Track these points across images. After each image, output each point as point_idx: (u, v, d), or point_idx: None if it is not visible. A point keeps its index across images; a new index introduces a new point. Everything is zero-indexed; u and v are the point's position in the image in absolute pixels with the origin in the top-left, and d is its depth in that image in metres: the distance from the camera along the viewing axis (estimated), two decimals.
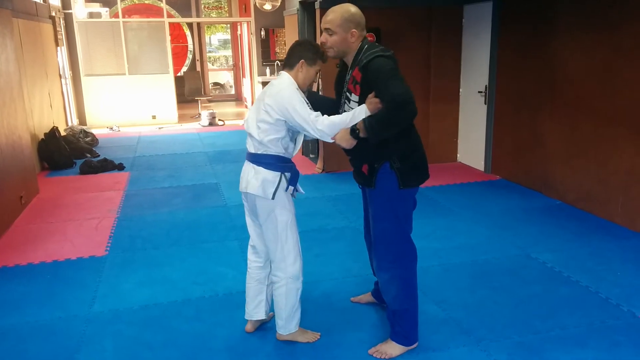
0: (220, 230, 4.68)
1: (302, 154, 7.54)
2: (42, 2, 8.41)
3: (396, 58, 2.55)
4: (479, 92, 6.33)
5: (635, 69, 4.26)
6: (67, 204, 5.54)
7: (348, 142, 2.54)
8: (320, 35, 2.67)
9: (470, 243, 4.23)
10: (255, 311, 2.98)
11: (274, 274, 2.81)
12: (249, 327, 3.04)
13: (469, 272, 3.72)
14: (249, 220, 2.91)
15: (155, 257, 4.13)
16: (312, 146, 7.42)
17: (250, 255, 2.96)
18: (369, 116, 2.47)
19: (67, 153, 7.20)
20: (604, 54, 4.56)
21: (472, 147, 6.61)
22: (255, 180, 2.66)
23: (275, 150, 2.65)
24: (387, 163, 2.57)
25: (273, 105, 2.57)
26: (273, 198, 2.66)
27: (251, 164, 2.71)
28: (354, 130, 2.50)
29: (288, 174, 2.72)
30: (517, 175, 5.86)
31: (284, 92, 2.57)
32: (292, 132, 2.72)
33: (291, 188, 2.74)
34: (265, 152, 2.65)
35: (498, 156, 6.17)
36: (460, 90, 6.73)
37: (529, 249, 4.09)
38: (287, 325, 2.84)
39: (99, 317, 3.23)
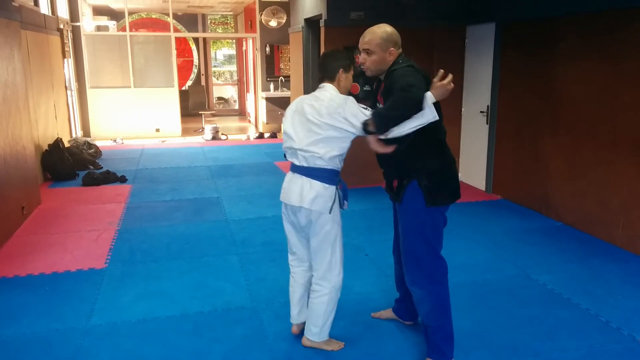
0: (220, 244, 4.68)
1: None
2: (50, 14, 8.52)
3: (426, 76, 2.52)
4: (481, 112, 6.37)
5: (636, 93, 4.29)
6: (69, 215, 5.55)
7: (376, 145, 2.54)
8: (360, 56, 2.69)
9: (470, 262, 4.22)
10: (299, 315, 3.05)
11: (317, 283, 2.83)
12: (294, 329, 3.11)
13: (468, 291, 3.71)
14: (289, 228, 2.91)
15: (155, 270, 4.12)
16: None
17: (293, 262, 3.00)
18: (379, 109, 2.51)
19: (70, 164, 7.23)
20: (605, 78, 4.59)
21: (473, 166, 6.63)
22: (311, 194, 2.66)
23: (333, 165, 2.68)
24: (415, 181, 2.60)
25: (326, 118, 2.59)
26: (330, 212, 2.68)
27: (304, 177, 2.69)
28: (365, 126, 2.50)
29: (341, 188, 2.76)
30: (518, 195, 5.86)
31: (335, 99, 2.62)
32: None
33: (345, 203, 2.79)
34: (322, 167, 2.66)
35: (499, 176, 6.18)
36: (462, 109, 6.76)
37: (529, 270, 4.08)
38: (322, 333, 2.90)
39: (97, 330, 3.22)
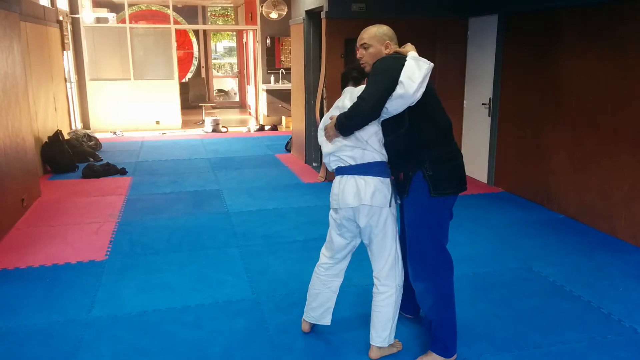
0: (220, 237, 4.67)
1: (305, 162, 7.54)
2: (50, 6, 8.47)
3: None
4: (483, 104, 6.34)
5: (638, 85, 4.26)
6: (69, 207, 5.54)
7: (331, 132, 2.67)
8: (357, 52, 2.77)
9: (471, 255, 4.22)
10: (322, 317, 2.99)
11: (383, 284, 2.74)
12: (306, 327, 3.06)
13: (470, 284, 3.70)
14: (336, 236, 2.82)
15: (155, 262, 4.12)
16: (314, 155, 7.43)
17: (324, 265, 2.92)
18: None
19: (70, 156, 7.21)
20: (607, 71, 4.56)
21: (475, 159, 6.60)
22: (369, 190, 2.61)
23: (381, 156, 2.65)
24: (421, 172, 2.61)
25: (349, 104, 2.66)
26: (390, 205, 2.66)
27: (356, 176, 2.64)
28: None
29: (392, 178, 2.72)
30: (520, 188, 5.85)
31: (355, 90, 2.71)
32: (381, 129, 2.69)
33: (398, 197, 2.76)
34: (371, 160, 2.63)
35: (501, 169, 6.16)
36: (465, 102, 6.73)
37: (531, 262, 4.07)
38: (391, 336, 2.80)
39: (97, 322, 3.22)
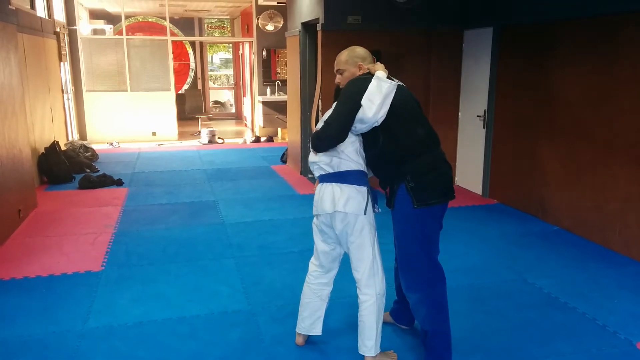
0: (216, 247, 4.67)
1: (301, 174, 7.56)
2: (47, 18, 8.52)
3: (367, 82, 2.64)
4: (478, 116, 6.39)
5: (632, 98, 4.31)
6: (65, 218, 5.53)
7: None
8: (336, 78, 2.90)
9: (466, 267, 4.23)
10: (313, 327, 3.00)
11: (363, 293, 2.76)
12: (300, 340, 3.05)
13: (465, 296, 3.71)
14: (320, 242, 2.88)
15: (151, 273, 4.11)
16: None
17: (314, 273, 2.96)
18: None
19: (67, 167, 7.21)
20: (602, 83, 4.62)
21: (470, 171, 6.64)
22: (344, 197, 2.67)
23: (358, 165, 2.71)
24: (403, 184, 2.65)
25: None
26: (365, 214, 2.69)
27: (334, 183, 2.71)
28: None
29: (370, 189, 2.77)
30: (515, 199, 5.88)
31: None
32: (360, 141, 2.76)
33: (377, 206, 2.80)
34: (348, 169, 2.70)
35: (496, 180, 6.20)
36: (459, 114, 6.79)
37: (526, 274, 4.09)
38: (377, 346, 2.79)
39: (93, 333, 3.21)
